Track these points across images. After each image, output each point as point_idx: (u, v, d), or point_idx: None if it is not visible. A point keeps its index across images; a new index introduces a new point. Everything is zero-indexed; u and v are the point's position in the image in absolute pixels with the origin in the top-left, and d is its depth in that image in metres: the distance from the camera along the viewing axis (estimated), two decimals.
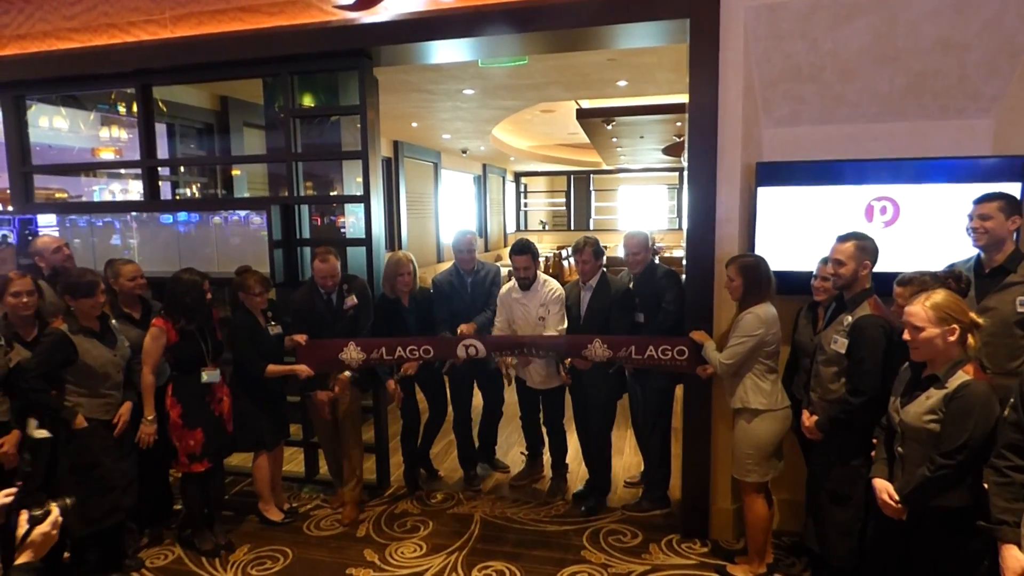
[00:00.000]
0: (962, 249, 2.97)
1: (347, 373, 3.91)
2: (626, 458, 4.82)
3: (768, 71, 3.42)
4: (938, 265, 2.88)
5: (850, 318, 2.79)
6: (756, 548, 3.31)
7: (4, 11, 4.51)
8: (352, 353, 3.84)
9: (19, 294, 3.18)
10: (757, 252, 3.39)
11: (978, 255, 2.80)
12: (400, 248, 9.82)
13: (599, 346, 3.64)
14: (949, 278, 2.59)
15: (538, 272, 4.12)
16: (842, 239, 2.86)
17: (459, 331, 4.04)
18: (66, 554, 3.40)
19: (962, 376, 2.19)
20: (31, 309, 3.24)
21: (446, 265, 4.71)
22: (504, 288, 4.23)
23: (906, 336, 2.32)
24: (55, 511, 1.80)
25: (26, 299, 3.20)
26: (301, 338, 3.85)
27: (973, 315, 2.24)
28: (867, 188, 3.36)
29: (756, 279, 3.11)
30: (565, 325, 4.00)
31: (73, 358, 3.14)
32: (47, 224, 4.84)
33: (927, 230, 3.28)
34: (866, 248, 2.81)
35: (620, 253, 4.25)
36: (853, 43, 3.28)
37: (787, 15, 3.29)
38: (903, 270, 2.73)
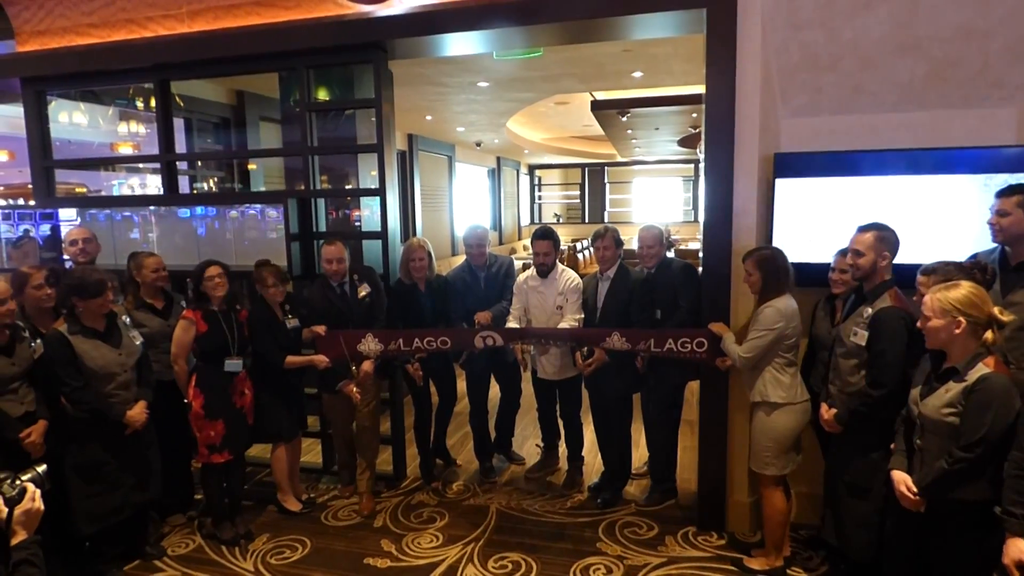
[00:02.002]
0: (985, 240, 2.92)
1: (369, 363, 3.94)
2: (641, 451, 4.81)
3: (786, 61, 3.39)
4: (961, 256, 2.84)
5: (870, 310, 2.76)
6: (773, 541, 3.30)
7: (25, 7, 4.56)
8: (370, 344, 3.86)
9: (41, 286, 3.29)
10: (775, 244, 3.37)
11: (1001, 248, 2.75)
12: None
13: (618, 339, 3.63)
14: (974, 269, 2.55)
15: (557, 261, 4.13)
16: (862, 229, 2.83)
17: (476, 319, 4.05)
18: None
19: (982, 369, 2.17)
20: (52, 301, 3.32)
21: (460, 259, 4.73)
22: (521, 276, 4.23)
23: (919, 323, 2.31)
24: (30, 487, 1.77)
25: (49, 290, 3.30)
26: (320, 329, 3.88)
27: (996, 311, 2.20)
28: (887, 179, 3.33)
29: (774, 272, 3.09)
30: (582, 315, 3.99)
31: (71, 359, 3.12)
32: (68, 219, 4.90)
33: (949, 221, 3.24)
34: (886, 239, 2.78)
35: (635, 246, 4.23)
36: (873, 31, 3.23)
37: (806, 3, 3.25)
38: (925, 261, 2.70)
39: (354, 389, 3.91)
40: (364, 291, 4.02)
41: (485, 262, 4.35)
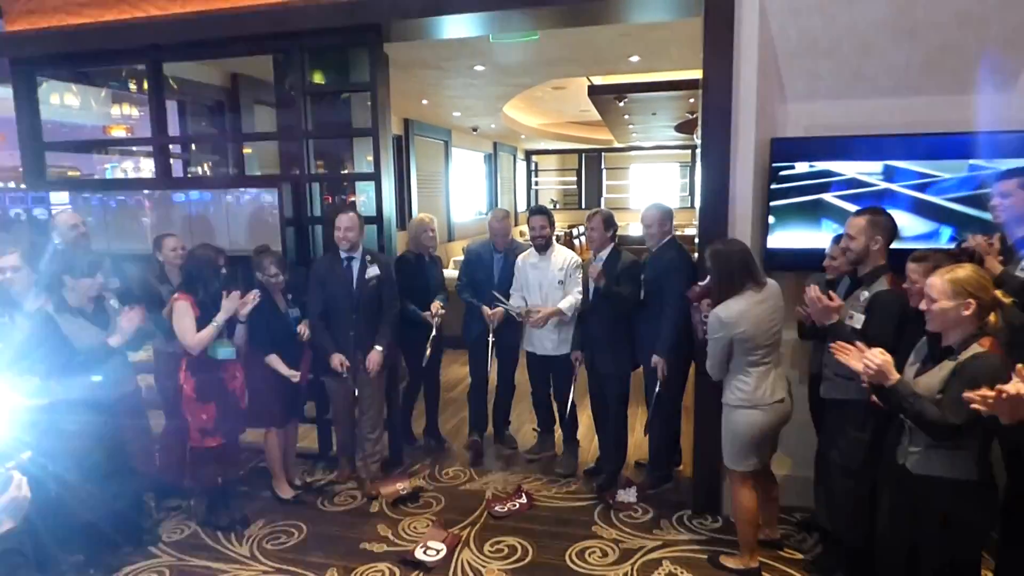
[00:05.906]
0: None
1: (377, 353, 3.92)
2: (637, 436, 4.83)
3: (784, 46, 3.37)
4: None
5: (867, 293, 2.76)
6: (744, 541, 3.21)
7: None
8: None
9: (4, 270, 3.19)
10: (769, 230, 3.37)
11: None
12: None
13: None
14: (963, 256, 2.56)
15: (553, 239, 4.27)
16: (857, 213, 2.83)
17: (488, 315, 4.17)
18: None
19: (976, 348, 2.16)
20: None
21: (456, 244, 4.80)
22: (521, 256, 4.35)
23: (922, 305, 2.29)
24: (16, 475, 1.75)
25: (10, 275, 3.19)
26: (302, 328, 3.86)
27: (999, 293, 2.19)
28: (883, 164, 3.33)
29: (727, 269, 2.93)
30: (580, 288, 4.09)
31: (59, 335, 3.06)
32: (60, 202, 4.85)
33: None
34: (878, 223, 2.78)
35: (631, 232, 4.26)
36: (871, 16, 3.22)
37: None
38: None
39: (339, 363, 3.87)
40: (373, 272, 3.94)
41: (505, 246, 4.49)
